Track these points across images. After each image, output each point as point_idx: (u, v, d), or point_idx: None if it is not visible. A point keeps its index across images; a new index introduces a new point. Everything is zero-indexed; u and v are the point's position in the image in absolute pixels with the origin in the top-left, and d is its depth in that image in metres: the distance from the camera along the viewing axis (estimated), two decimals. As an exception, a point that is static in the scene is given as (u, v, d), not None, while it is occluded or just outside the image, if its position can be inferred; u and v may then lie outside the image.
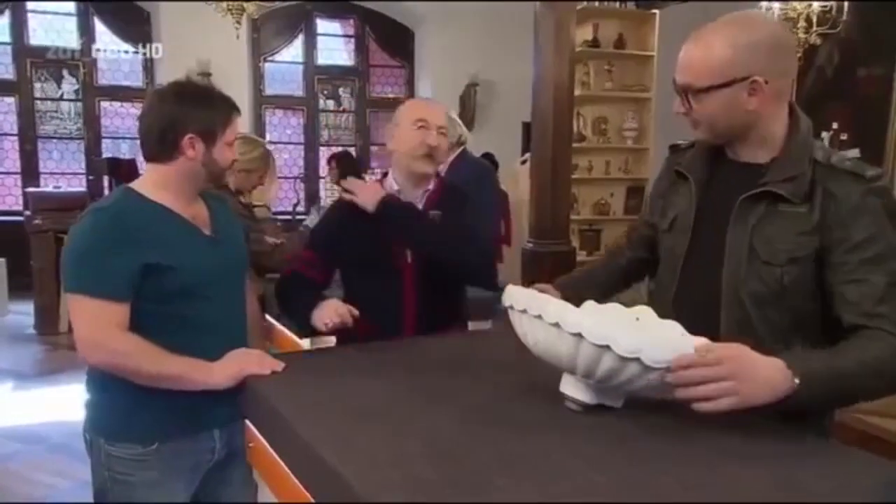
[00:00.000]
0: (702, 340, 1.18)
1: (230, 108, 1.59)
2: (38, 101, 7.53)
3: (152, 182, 1.56)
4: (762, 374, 1.09)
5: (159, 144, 1.53)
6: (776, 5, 4.89)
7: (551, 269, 3.67)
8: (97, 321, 1.44)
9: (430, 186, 1.92)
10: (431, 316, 1.86)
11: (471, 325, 2.22)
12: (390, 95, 8.65)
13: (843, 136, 5.72)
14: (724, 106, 1.27)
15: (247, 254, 1.77)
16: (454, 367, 1.56)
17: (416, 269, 1.85)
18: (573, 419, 1.23)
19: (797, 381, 1.09)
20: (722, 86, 1.25)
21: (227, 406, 1.53)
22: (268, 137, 8.29)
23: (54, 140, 7.67)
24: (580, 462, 1.05)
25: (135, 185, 1.57)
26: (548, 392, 1.27)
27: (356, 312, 1.68)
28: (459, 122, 3.45)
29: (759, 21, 1.31)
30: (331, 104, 8.66)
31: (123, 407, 1.54)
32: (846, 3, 4.90)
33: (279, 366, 1.50)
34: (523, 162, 5.99)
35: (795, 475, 1.02)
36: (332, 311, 1.68)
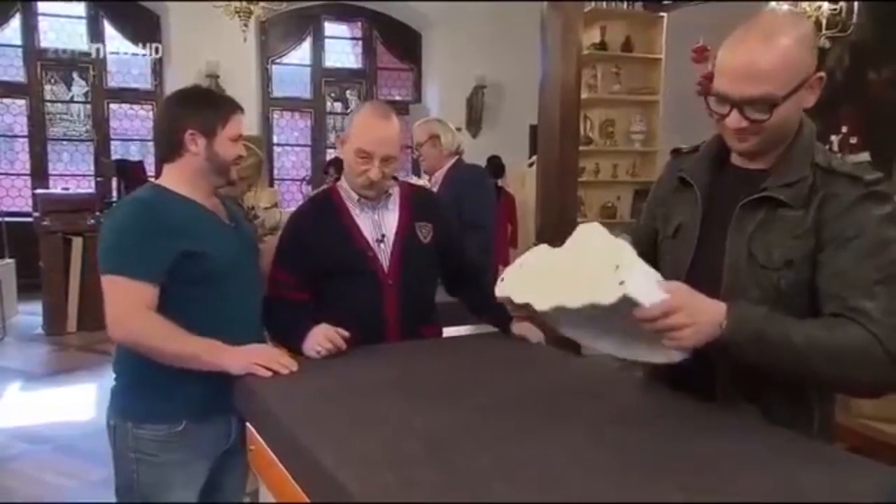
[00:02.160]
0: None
1: (229, 104, 1.72)
2: (48, 104, 7.60)
3: (171, 179, 1.70)
4: (709, 311, 1.15)
5: (167, 144, 1.68)
6: (785, 7, 4.86)
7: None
8: (126, 301, 1.55)
9: (390, 191, 1.88)
10: (411, 316, 1.83)
11: (462, 329, 2.21)
12: (398, 98, 8.67)
13: (853, 140, 5.68)
14: (795, 109, 1.22)
15: None
16: (452, 370, 1.56)
17: (393, 269, 1.82)
18: (572, 424, 1.22)
19: (723, 325, 1.13)
20: (798, 87, 1.19)
21: None
22: (275, 139, 8.33)
23: (63, 142, 7.75)
24: (578, 467, 1.05)
25: (160, 182, 1.72)
26: (546, 396, 1.26)
27: (346, 334, 1.66)
28: (456, 131, 3.44)
29: (799, 14, 1.27)
30: (338, 106, 8.70)
31: (152, 390, 1.63)
32: (856, 5, 4.86)
33: (293, 366, 1.53)
34: (531, 164, 5.99)
35: (794, 479, 1.01)
36: (321, 337, 1.65)
